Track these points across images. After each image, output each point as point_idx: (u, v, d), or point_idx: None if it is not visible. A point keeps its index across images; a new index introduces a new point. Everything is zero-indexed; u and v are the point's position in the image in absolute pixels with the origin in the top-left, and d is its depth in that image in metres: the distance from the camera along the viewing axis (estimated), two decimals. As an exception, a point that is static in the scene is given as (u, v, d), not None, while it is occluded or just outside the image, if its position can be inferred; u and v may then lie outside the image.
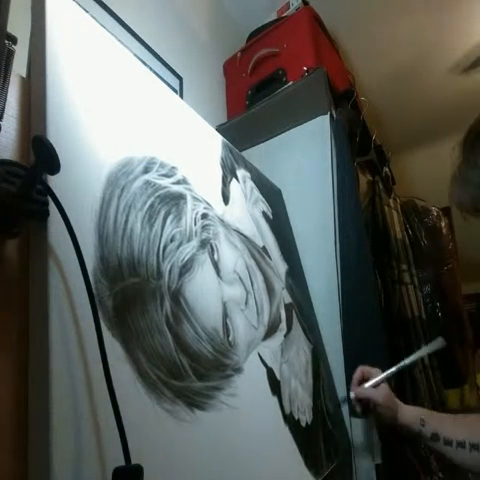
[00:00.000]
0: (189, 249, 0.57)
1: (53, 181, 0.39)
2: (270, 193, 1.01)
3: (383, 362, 0.84)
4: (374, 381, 0.75)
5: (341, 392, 0.88)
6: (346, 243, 0.95)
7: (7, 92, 0.41)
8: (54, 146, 0.35)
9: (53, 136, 0.41)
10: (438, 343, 0.80)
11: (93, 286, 0.38)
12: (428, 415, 0.72)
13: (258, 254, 0.79)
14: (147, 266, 0.48)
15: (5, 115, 0.41)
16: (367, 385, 0.76)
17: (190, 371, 0.49)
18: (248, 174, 0.91)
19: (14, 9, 0.40)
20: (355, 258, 0.94)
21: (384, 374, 0.76)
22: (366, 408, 0.76)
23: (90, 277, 0.38)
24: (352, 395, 0.76)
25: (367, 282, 0.93)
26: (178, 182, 0.61)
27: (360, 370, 0.78)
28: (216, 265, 0.62)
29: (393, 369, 0.77)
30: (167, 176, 0.59)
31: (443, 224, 1.59)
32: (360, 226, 0.97)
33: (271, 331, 0.73)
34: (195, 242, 0.59)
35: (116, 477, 0.33)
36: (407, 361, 0.78)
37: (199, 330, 0.53)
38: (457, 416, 0.74)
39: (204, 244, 0.61)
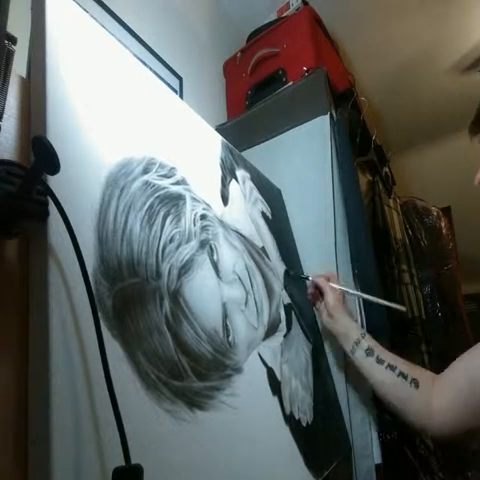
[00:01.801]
0: (188, 250, 0.57)
1: (53, 181, 0.39)
2: (270, 193, 1.01)
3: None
4: (333, 285, 0.83)
5: (341, 391, 0.88)
6: (347, 243, 0.96)
7: (7, 92, 0.41)
8: (54, 146, 0.35)
9: (53, 136, 0.41)
10: (401, 307, 0.85)
11: (93, 286, 0.38)
12: (369, 335, 0.76)
13: (257, 255, 0.79)
14: (146, 266, 0.48)
15: (5, 115, 0.41)
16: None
17: (190, 371, 0.49)
18: (248, 174, 0.91)
19: (14, 9, 0.40)
20: (357, 259, 0.94)
21: (345, 288, 0.84)
22: (316, 296, 0.87)
23: (90, 277, 0.38)
24: (310, 278, 0.88)
25: (371, 284, 0.93)
26: (177, 183, 0.61)
27: (330, 273, 0.87)
28: (215, 266, 0.62)
29: (351, 291, 0.85)
30: (166, 177, 0.59)
31: (443, 224, 1.60)
32: (362, 226, 0.97)
33: (271, 331, 0.73)
34: (194, 243, 0.59)
35: (116, 477, 0.33)
36: (366, 296, 0.85)
37: (199, 330, 0.53)
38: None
39: (203, 245, 0.61)
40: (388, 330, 0.88)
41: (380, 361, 0.70)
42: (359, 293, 0.86)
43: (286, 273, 0.90)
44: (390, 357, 0.71)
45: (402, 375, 0.67)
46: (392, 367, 0.68)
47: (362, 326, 0.87)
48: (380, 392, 0.71)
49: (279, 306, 0.79)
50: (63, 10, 0.50)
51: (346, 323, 0.78)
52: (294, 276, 0.92)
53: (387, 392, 0.69)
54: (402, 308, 0.83)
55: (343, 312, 0.80)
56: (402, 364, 0.69)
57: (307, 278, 0.89)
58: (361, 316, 0.90)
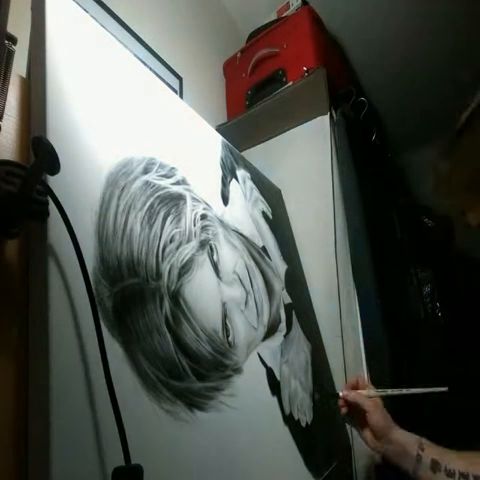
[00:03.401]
0: (188, 250, 0.57)
1: (53, 181, 0.39)
2: (270, 193, 1.01)
3: (384, 363, 0.84)
4: (368, 392, 0.69)
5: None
6: (347, 243, 0.96)
7: (7, 92, 0.41)
8: (54, 146, 0.35)
9: (53, 136, 0.41)
10: (442, 389, 0.71)
11: (93, 286, 0.38)
12: (427, 442, 0.63)
13: (258, 254, 0.79)
14: (146, 267, 0.48)
15: (5, 115, 0.41)
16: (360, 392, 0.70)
17: (190, 371, 0.49)
18: (248, 174, 0.91)
19: (14, 9, 0.40)
20: (355, 257, 0.94)
21: (380, 393, 0.69)
22: (353, 415, 0.69)
23: (90, 277, 0.38)
24: (340, 394, 0.70)
25: (367, 282, 0.93)
26: (177, 183, 0.61)
27: (356, 377, 0.72)
28: (215, 266, 0.62)
29: (390, 392, 0.70)
30: (167, 177, 0.59)
31: (443, 224, 1.59)
32: (361, 226, 0.97)
33: (271, 331, 0.73)
34: (194, 243, 0.59)
35: (116, 477, 0.33)
36: (405, 391, 0.70)
37: (199, 331, 0.53)
38: (452, 450, 0.65)
39: (203, 245, 0.61)
40: (387, 349, 0.86)
41: (450, 473, 0.59)
42: (400, 391, 0.71)
43: (314, 397, 0.78)
44: (460, 462, 0.60)
45: None
46: (465, 476, 0.58)
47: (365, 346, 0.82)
48: None
49: (279, 306, 0.79)
50: (63, 10, 0.50)
51: (400, 439, 0.64)
52: (322, 396, 0.80)
53: None
54: (443, 389, 0.69)
55: (393, 427, 0.65)
56: (473, 464, 0.59)
57: (337, 396, 0.71)
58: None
